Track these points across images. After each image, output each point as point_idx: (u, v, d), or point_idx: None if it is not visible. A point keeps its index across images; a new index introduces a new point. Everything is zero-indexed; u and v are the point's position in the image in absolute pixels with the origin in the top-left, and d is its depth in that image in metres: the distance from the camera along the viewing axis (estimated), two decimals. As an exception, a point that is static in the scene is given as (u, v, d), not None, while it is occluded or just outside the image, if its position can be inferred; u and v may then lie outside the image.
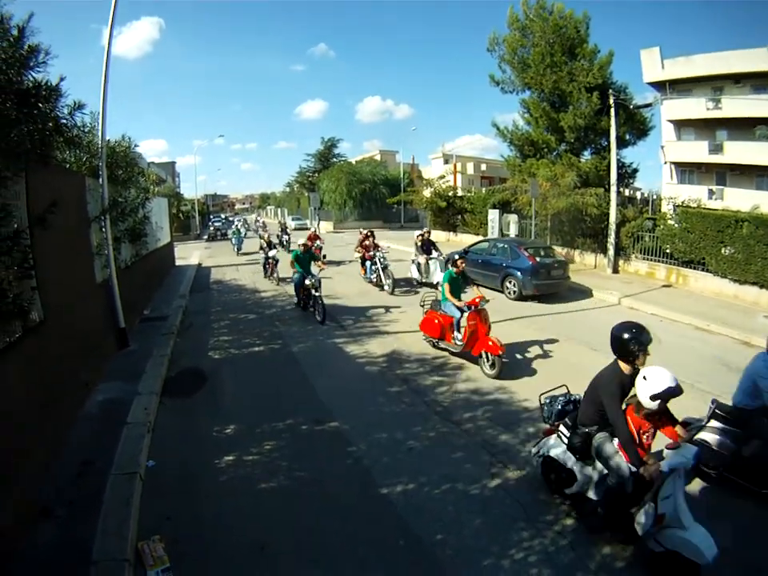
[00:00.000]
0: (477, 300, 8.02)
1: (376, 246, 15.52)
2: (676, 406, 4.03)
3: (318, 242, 18.87)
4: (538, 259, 13.27)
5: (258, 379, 7.64)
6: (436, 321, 8.63)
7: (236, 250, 25.84)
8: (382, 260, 14.67)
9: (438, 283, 12.22)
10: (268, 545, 3.97)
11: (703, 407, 5.14)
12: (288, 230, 26.92)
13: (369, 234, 16.00)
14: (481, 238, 20.02)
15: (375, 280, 14.85)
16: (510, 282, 13.54)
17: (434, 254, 14.73)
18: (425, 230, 16.09)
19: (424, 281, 14.71)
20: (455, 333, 8.36)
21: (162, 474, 4.97)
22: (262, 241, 18.45)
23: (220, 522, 4.23)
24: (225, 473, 5.01)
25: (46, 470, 4.59)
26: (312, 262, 12.01)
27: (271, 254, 16.41)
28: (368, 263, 15.20)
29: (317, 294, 11.00)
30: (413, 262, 15.26)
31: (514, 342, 8.98)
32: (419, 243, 15.05)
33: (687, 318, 11.22)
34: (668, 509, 3.47)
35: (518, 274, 13.20)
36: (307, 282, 11.26)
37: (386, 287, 14.32)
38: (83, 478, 4.59)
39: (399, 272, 15.04)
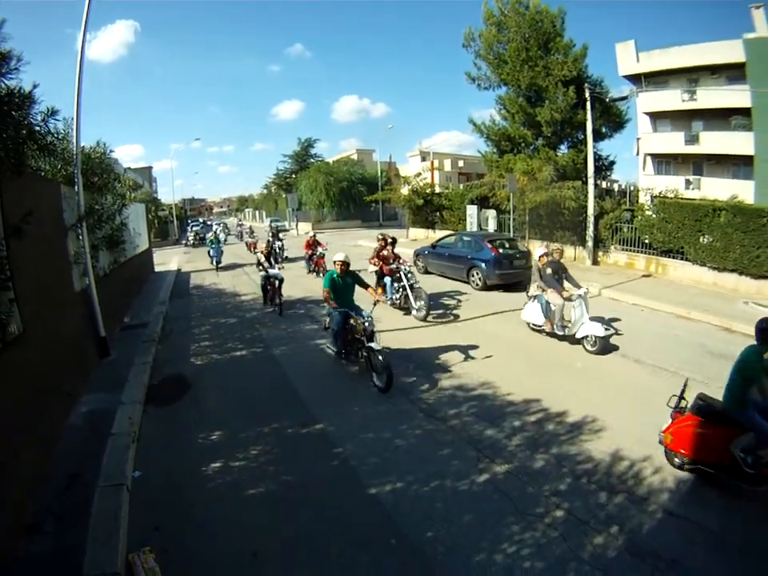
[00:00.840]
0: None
1: (397, 258, 12.06)
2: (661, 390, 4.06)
3: (319, 248, 17.11)
4: (500, 251, 13.98)
5: (242, 384, 7.59)
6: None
7: (214, 263, 20.96)
8: (408, 276, 11.39)
9: None
10: (257, 551, 3.95)
11: (687, 393, 5.19)
12: (281, 236, 21.65)
13: (389, 240, 12.41)
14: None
15: (399, 302, 11.58)
16: (475, 273, 14.23)
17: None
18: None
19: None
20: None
21: (149, 484, 4.92)
22: (259, 254, 13.31)
23: (208, 530, 4.20)
24: (211, 480, 4.98)
25: (34, 484, 4.52)
26: (357, 287, 8.19)
27: (273, 272, 12.41)
28: (387, 279, 11.77)
29: (374, 345, 7.17)
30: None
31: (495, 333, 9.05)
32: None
33: (668, 306, 11.40)
34: None
35: (482, 265, 13.91)
36: (353, 322, 7.58)
37: (414, 311, 11.07)
38: (71, 491, 4.52)
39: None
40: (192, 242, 36.02)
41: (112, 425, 5.85)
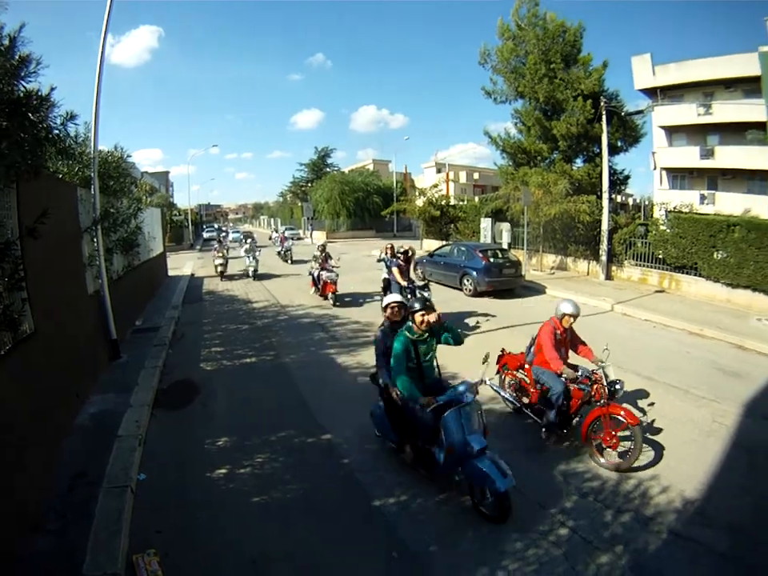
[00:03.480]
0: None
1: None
2: (673, 409, 3.99)
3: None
4: (491, 259, 15.00)
5: (251, 391, 7.58)
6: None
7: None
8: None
9: None
10: (260, 559, 3.94)
11: (697, 411, 5.14)
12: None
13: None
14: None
15: None
16: (467, 280, 15.17)
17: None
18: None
19: None
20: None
21: (154, 487, 4.93)
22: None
23: (211, 536, 4.19)
24: (216, 486, 4.98)
25: (39, 483, 4.54)
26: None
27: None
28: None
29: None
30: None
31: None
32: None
33: (681, 323, 11.27)
34: None
35: (473, 272, 14.86)
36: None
37: None
38: (75, 491, 4.55)
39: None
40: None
41: (119, 427, 5.88)
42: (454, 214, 26.30)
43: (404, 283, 10.91)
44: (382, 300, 7.32)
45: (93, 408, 6.43)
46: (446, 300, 13.55)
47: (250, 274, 19.31)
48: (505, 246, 19.79)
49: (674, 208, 16.54)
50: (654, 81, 27.18)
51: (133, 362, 8.38)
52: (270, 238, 40.75)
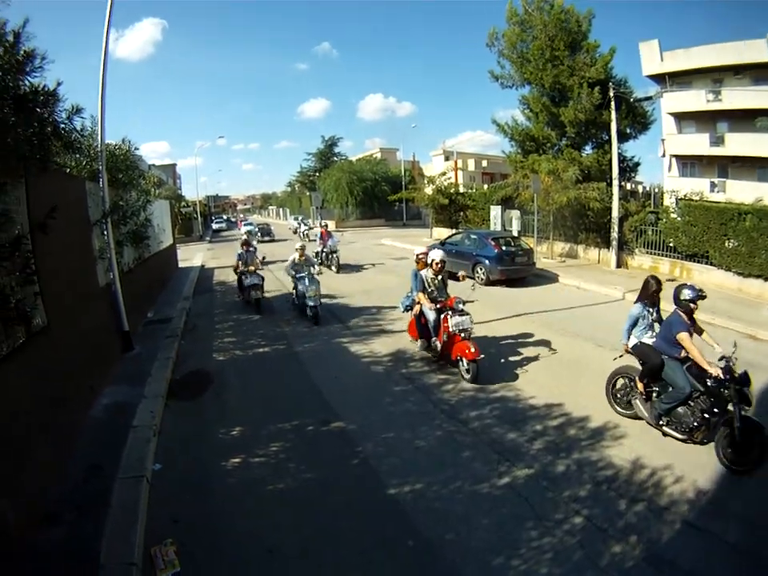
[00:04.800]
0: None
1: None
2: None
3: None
4: (503, 248, 14.79)
5: (263, 380, 7.62)
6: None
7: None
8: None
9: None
10: (275, 547, 3.95)
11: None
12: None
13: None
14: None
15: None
16: (479, 269, 14.91)
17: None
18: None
19: None
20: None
21: (169, 477, 4.96)
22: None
23: (227, 525, 4.21)
24: (231, 475, 5.01)
25: (54, 474, 4.58)
26: None
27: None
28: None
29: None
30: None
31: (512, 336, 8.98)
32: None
33: (691, 311, 11.09)
34: None
35: (486, 261, 14.72)
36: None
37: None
38: (90, 482, 4.58)
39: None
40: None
41: (134, 418, 5.92)
42: (463, 201, 26.20)
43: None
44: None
45: (106, 399, 6.47)
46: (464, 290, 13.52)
47: (310, 312, 10.81)
48: (515, 234, 19.80)
49: (685, 196, 16.36)
50: (662, 67, 26.83)
51: (145, 354, 8.43)
52: (296, 232, 34.32)
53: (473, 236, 16.28)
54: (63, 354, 5.37)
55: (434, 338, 7.84)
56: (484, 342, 8.51)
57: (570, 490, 4.65)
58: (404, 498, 4.60)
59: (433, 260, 7.91)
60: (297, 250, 11.39)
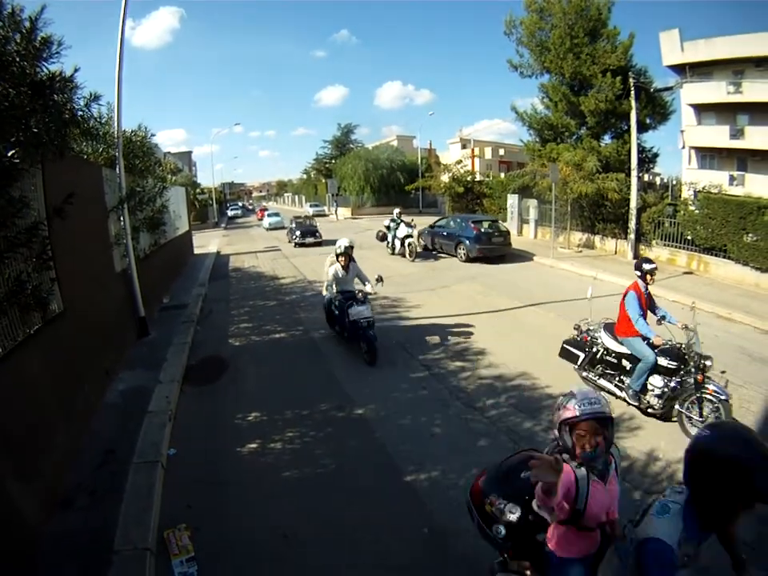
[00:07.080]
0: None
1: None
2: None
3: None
4: (482, 229, 16.88)
5: (279, 366, 7.64)
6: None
7: None
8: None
9: None
10: (291, 533, 3.96)
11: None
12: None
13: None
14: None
15: None
16: (460, 248, 17.11)
17: None
18: None
19: None
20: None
21: (184, 462, 4.99)
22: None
23: (242, 511, 4.23)
24: (247, 461, 5.03)
25: (69, 459, 4.63)
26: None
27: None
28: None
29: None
30: None
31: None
32: None
33: (709, 306, 10.85)
34: None
35: (467, 241, 16.81)
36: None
37: None
38: (105, 467, 4.62)
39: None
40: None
41: (149, 403, 5.97)
42: (479, 190, 26.00)
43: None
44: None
45: (122, 385, 6.53)
46: (450, 266, 15.13)
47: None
48: (532, 222, 21.21)
49: (703, 188, 16.08)
50: (682, 57, 26.19)
51: (161, 339, 8.49)
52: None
53: (457, 219, 18.47)
54: (79, 339, 5.41)
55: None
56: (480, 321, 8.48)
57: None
58: (420, 485, 4.60)
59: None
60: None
